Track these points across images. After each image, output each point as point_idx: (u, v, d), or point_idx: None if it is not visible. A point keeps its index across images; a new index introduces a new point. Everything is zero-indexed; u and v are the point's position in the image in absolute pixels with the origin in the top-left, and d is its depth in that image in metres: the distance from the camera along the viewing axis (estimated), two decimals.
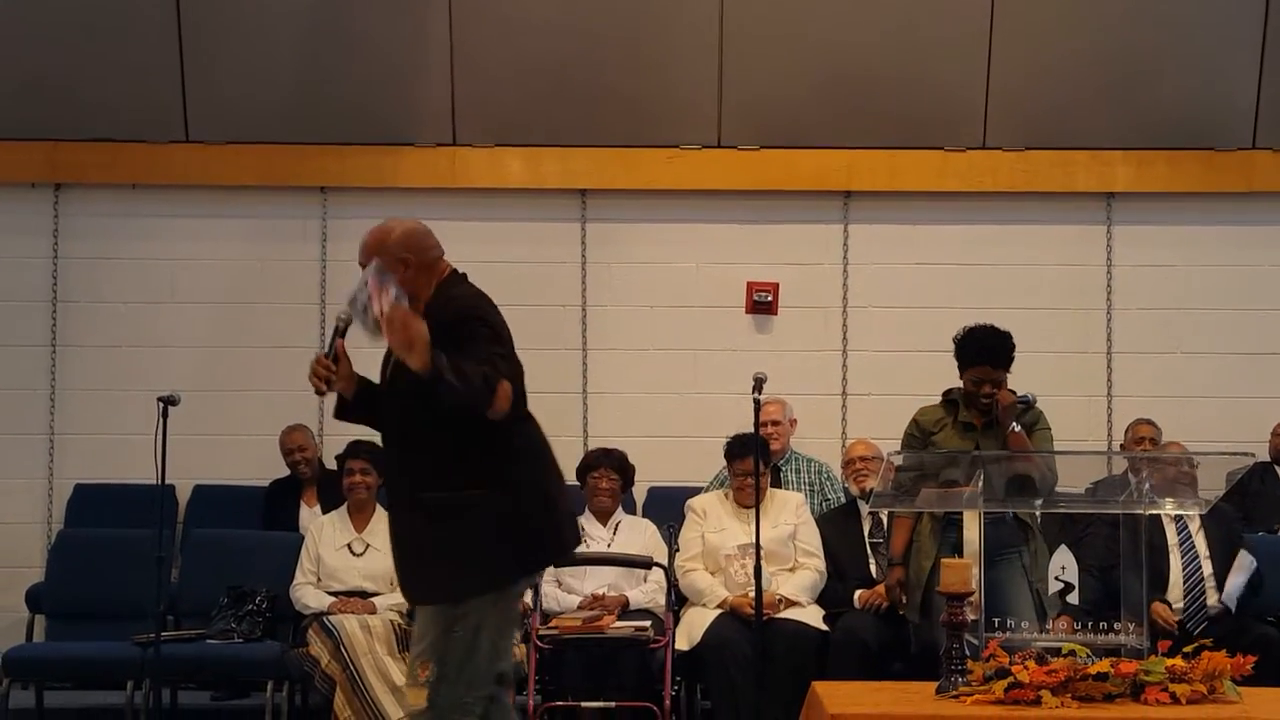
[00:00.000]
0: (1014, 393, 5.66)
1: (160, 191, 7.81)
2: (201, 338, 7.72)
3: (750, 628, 6.00)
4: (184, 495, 7.59)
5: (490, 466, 3.97)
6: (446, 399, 3.74)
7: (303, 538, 6.69)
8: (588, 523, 6.66)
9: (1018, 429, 5.58)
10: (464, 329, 3.89)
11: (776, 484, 7.00)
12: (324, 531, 6.61)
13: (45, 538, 7.57)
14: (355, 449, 6.59)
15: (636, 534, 6.67)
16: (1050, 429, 5.76)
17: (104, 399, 7.68)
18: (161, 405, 5.85)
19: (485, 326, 3.94)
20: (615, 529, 6.67)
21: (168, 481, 5.92)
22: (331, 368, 3.92)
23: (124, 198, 7.83)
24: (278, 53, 7.55)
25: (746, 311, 7.86)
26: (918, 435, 5.75)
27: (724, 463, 6.72)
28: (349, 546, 6.57)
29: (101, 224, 7.84)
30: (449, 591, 3.97)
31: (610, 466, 6.72)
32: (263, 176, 7.75)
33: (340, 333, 3.94)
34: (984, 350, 5.62)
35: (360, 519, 6.62)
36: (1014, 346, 5.67)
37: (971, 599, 4.54)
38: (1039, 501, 5.30)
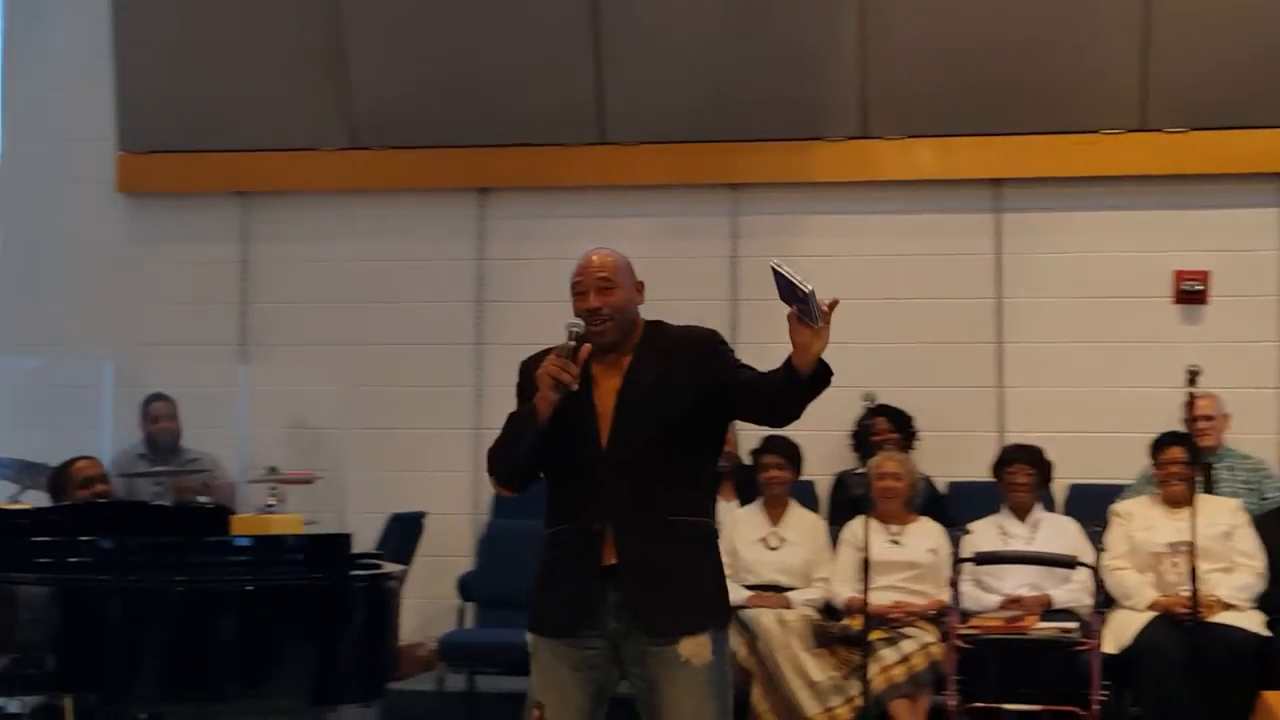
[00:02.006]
0: None
1: (576, 193, 8.03)
2: None
3: (1183, 631, 5.71)
4: None
5: (711, 501, 3.99)
6: (807, 394, 3.61)
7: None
8: (1005, 520, 6.52)
9: None
10: (721, 347, 3.84)
11: (1208, 481, 6.63)
12: (739, 525, 6.65)
13: (474, 528, 7.91)
14: (771, 444, 6.62)
15: (1058, 532, 6.45)
16: None
17: None
18: None
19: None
20: (1036, 526, 6.48)
21: None
22: (575, 371, 3.74)
23: (542, 200, 8.09)
24: (690, 52, 7.64)
25: (1174, 301, 7.46)
26: None
27: (1148, 460, 6.40)
28: (764, 540, 6.59)
29: (521, 226, 8.11)
30: (719, 614, 3.84)
31: (1026, 461, 6.59)
32: (674, 175, 7.85)
33: (581, 341, 3.78)
34: None
35: (776, 512, 6.65)
36: None
37: None
38: None
